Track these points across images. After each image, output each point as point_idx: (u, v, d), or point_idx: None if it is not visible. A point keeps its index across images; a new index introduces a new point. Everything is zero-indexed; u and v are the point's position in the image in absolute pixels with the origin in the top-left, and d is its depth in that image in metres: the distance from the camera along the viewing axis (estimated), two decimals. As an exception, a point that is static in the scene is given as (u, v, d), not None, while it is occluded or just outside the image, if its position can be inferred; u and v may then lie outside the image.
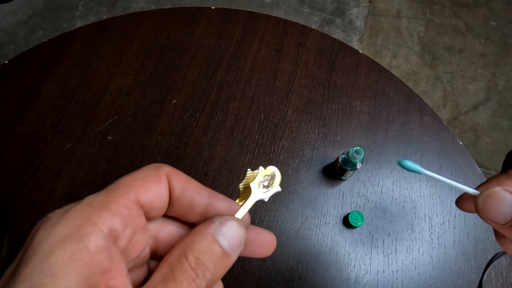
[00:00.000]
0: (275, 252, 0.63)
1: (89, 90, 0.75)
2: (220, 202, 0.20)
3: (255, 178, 0.22)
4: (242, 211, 0.21)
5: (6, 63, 0.77)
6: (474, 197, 0.23)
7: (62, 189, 0.66)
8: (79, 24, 1.65)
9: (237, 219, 0.19)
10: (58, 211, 0.16)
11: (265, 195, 0.22)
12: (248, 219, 0.21)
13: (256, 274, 0.61)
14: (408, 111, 0.76)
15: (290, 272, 0.62)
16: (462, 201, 0.25)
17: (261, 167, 0.22)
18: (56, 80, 0.75)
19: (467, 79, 1.63)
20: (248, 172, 0.22)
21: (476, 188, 0.23)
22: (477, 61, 1.67)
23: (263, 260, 0.62)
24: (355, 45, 1.68)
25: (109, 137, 0.71)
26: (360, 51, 0.82)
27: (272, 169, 0.23)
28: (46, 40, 0.79)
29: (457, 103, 1.58)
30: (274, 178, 0.22)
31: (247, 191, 0.22)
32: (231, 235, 0.18)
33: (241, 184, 0.22)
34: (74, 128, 0.71)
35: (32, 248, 0.15)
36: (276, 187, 0.22)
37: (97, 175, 0.67)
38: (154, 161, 0.57)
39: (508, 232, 0.20)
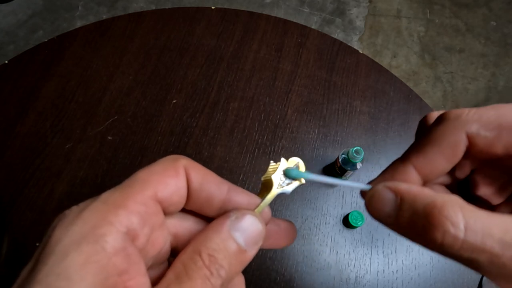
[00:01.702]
0: (275, 252, 0.63)
1: (89, 90, 0.75)
2: (239, 196, 0.20)
3: (276, 170, 0.20)
4: (262, 205, 0.20)
5: (6, 63, 0.77)
6: None
7: (62, 189, 0.66)
8: (79, 24, 1.65)
9: (254, 214, 0.18)
10: (74, 209, 0.16)
11: (287, 188, 0.20)
12: (269, 213, 0.20)
13: (256, 274, 0.61)
14: (408, 111, 0.76)
15: (290, 272, 0.62)
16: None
17: (283, 159, 0.21)
18: (56, 80, 0.75)
19: (467, 79, 1.63)
20: (271, 164, 0.21)
21: (370, 183, 0.22)
22: (477, 61, 1.67)
23: (263, 260, 0.62)
24: (355, 45, 1.68)
25: (109, 137, 0.71)
26: (360, 51, 0.82)
27: (295, 160, 0.21)
28: (46, 40, 0.79)
29: (457, 103, 1.58)
30: (298, 169, 0.21)
31: (269, 184, 0.20)
32: (247, 230, 0.17)
33: (263, 177, 0.21)
34: (74, 128, 0.71)
35: (48, 248, 0.14)
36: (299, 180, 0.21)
37: (97, 175, 0.67)
38: (154, 161, 0.56)
39: (393, 229, 0.19)
